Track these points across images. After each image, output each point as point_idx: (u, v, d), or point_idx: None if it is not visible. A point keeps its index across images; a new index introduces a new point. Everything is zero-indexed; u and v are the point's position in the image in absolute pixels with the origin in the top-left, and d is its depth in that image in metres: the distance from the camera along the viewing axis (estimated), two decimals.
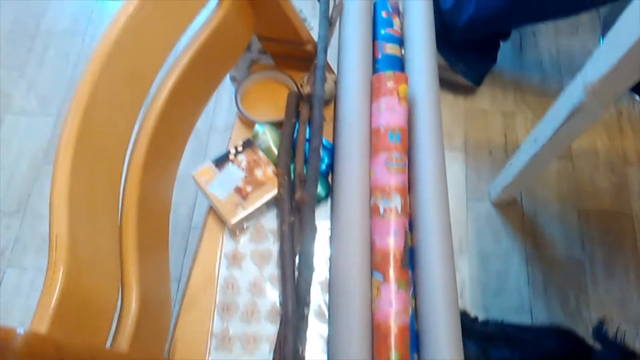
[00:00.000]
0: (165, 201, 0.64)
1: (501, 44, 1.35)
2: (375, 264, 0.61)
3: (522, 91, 1.41)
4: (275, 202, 0.68)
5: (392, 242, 0.61)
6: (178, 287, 1.19)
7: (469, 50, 1.30)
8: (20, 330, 0.34)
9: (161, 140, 0.59)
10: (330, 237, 0.66)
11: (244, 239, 0.68)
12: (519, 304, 1.16)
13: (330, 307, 0.61)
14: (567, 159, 1.32)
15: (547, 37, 1.49)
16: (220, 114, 1.40)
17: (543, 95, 1.41)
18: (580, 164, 1.32)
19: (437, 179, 0.64)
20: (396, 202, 0.63)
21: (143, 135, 0.56)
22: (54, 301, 0.38)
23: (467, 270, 1.20)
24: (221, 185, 0.66)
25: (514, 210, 1.26)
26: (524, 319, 1.14)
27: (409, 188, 0.66)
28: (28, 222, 1.22)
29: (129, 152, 0.54)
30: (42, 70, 1.45)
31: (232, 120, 0.77)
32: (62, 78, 1.43)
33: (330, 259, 0.65)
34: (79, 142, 0.43)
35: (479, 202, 1.27)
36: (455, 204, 1.26)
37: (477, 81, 1.35)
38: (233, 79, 0.86)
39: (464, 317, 0.95)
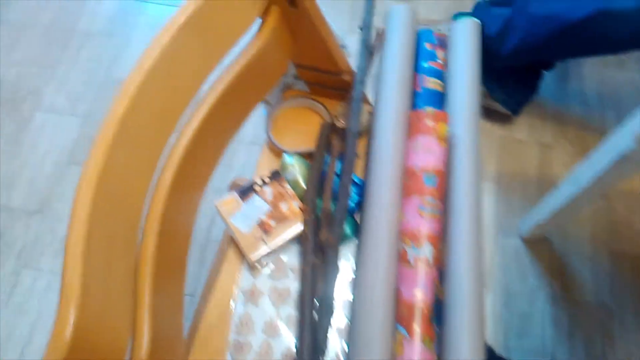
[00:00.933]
0: (187, 232, 0.61)
1: (545, 73, 1.30)
2: (400, 316, 0.58)
3: (562, 123, 1.36)
4: (299, 238, 0.65)
5: (419, 296, 0.57)
6: (191, 301, 1.17)
7: (510, 78, 1.25)
8: None
9: (187, 171, 0.56)
10: (354, 281, 0.63)
11: (263, 275, 0.65)
12: (541, 347, 1.11)
13: (348, 359, 0.58)
14: (603, 199, 1.26)
15: (593, 68, 1.43)
16: (247, 127, 1.37)
17: (584, 129, 1.35)
18: (617, 204, 1.26)
19: (473, 232, 0.60)
20: (427, 251, 0.59)
21: (169, 168, 0.53)
22: (61, 355, 0.35)
23: (490, 307, 1.15)
24: (244, 218, 0.64)
25: (543, 248, 1.21)
26: None
27: (443, 235, 0.62)
28: (48, 223, 1.22)
29: (152, 186, 0.52)
30: (74, 70, 1.45)
31: (260, 134, 0.74)
32: (93, 79, 1.43)
33: (352, 305, 0.61)
34: (100, 183, 0.40)
35: (508, 236, 1.22)
36: (483, 237, 1.21)
37: (516, 110, 1.30)
38: (265, 102, 0.83)
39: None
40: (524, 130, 1.34)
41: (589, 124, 1.36)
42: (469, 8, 1.41)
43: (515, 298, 1.16)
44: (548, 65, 1.29)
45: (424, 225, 0.60)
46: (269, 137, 0.71)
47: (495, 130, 1.34)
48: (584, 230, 1.23)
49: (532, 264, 1.20)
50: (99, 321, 0.40)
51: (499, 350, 1.11)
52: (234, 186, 1.29)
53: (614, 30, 1.02)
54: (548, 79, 1.37)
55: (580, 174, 0.94)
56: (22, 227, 1.22)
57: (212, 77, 0.59)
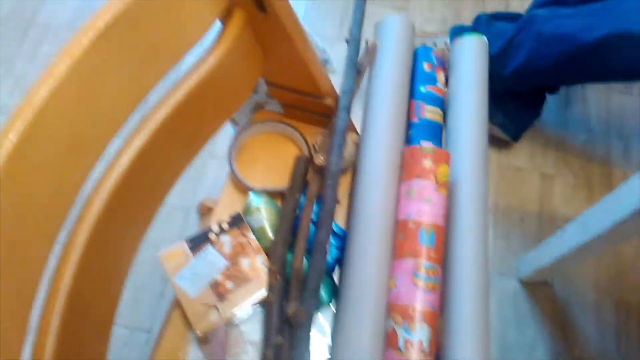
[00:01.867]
0: (114, 291, 0.48)
1: (547, 97, 1.19)
2: None
3: (564, 151, 1.24)
4: (262, 304, 0.52)
5: None
6: (147, 339, 1.03)
7: (511, 101, 1.13)
8: None
9: (115, 219, 0.43)
10: None
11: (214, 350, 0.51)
12: None
13: None
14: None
15: (598, 93, 1.32)
16: (221, 140, 1.24)
17: (588, 158, 1.24)
18: (624, 249, 1.15)
19: (478, 312, 0.48)
20: (422, 334, 0.46)
21: (85, 220, 0.40)
22: None
23: None
24: (194, 277, 0.50)
25: (544, 293, 1.09)
26: None
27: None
28: None
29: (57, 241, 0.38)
30: (32, 66, 1.30)
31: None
32: None
33: None
34: None
35: (505, 277, 1.10)
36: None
37: (516, 136, 1.19)
38: (232, 121, 0.70)
39: None
40: (524, 157, 1.23)
41: (593, 152, 1.25)
42: (467, 19, 1.30)
43: (512, 350, 1.04)
44: (553, 89, 1.18)
45: (418, 299, 0.48)
46: (232, 170, 0.58)
47: (493, 157, 1.23)
48: (588, 275, 1.12)
49: (532, 312, 1.08)
50: None
51: None
52: (202, 208, 1.16)
53: (631, 55, 0.90)
54: (550, 103, 1.26)
55: (591, 219, 0.83)
56: None
57: (157, 95, 0.46)
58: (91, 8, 1.38)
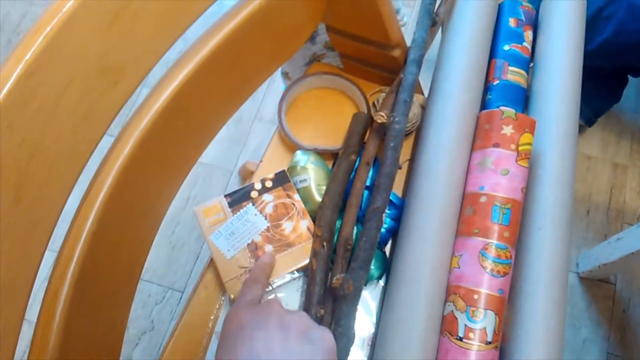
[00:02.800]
0: (141, 249, 0.43)
1: (629, 80, 1.07)
2: None
3: None
4: (303, 271, 0.47)
5: None
6: (181, 299, 1.01)
7: (590, 81, 1.02)
8: None
9: (146, 167, 0.38)
10: (375, 346, 0.44)
11: None
12: None
13: None
14: None
15: None
16: (269, 102, 1.19)
17: None
18: None
19: (554, 299, 0.41)
20: (487, 322, 0.40)
21: (114, 159, 0.35)
22: None
23: None
24: (230, 236, 0.45)
25: (604, 291, 1.00)
26: None
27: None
28: None
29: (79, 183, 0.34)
30: None
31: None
32: None
33: None
34: None
35: None
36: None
37: (590, 121, 1.08)
38: (285, 75, 0.64)
39: None
40: (596, 145, 1.12)
41: None
42: None
43: (563, 349, 0.95)
44: (635, 70, 1.06)
45: (485, 281, 0.41)
46: (281, 125, 0.52)
47: None
48: None
49: (588, 310, 1.00)
50: None
51: None
52: (244, 171, 1.11)
53: None
54: (630, 88, 1.14)
55: None
56: None
57: (202, 28, 0.40)
58: None
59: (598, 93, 1.05)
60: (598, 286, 1.01)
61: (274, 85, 1.21)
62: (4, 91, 0.26)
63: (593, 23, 0.92)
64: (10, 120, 0.26)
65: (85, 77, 0.29)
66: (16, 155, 0.26)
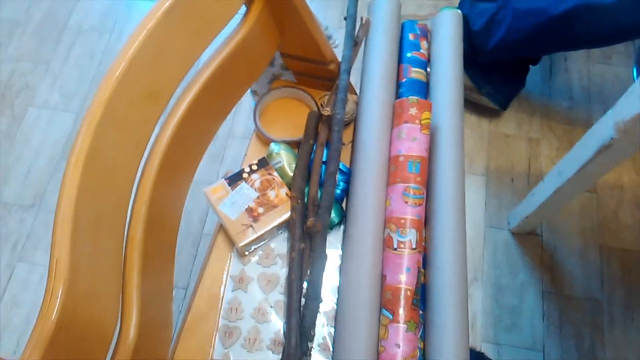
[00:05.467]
0: (175, 218, 0.62)
1: (531, 68, 1.31)
2: (385, 300, 0.59)
3: (549, 118, 1.37)
4: (286, 225, 0.66)
5: (404, 279, 0.58)
6: (185, 295, 1.18)
7: (497, 72, 1.26)
8: None
9: (175, 156, 0.57)
10: (340, 267, 0.64)
11: (252, 262, 0.66)
12: (531, 341, 1.12)
13: (335, 343, 0.59)
14: (591, 192, 1.28)
15: (579, 62, 1.45)
16: (239, 121, 1.39)
17: (570, 123, 1.37)
18: (605, 198, 1.28)
19: (455, 216, 0.62)
20: (411, 236, 0.60)
21: (156, 152, 0.54)
22: (49, 331, 0.36)
23: (480, 301, 1.16)
24: (233, 205, 0.65)
25: (533, 242, 1.22)
26: (536, 358, 1.10)
27: (425, 220, 0.64)
28: (42, 217, 1.23)
29: (140, 170, 0.53)
30: (67, 66, 1.46)
31: (251, 128, 0.75)
32: (86, 75, 1.44)
33: (339, 290, 0.63)
34: (88, 162, 0.41)
35: (497, 230, 1.23)
36: (472, 231, 1.23)
37: (504, 105, 1.32)
38: (254, 93, 0.85)
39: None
40: (512, 125, 1.36)
41: (575, 118, 1.38)
42: (455, 4, 1.43)
43: (504, 293, 1.17)
44: (534, 60, 1.31)
45: (408, 211, 0.61)
46: (257, 127, 0.72)
47: (484, 125, 1.36)
48: (573, 224, 1.25)
49: (522, 259, 1.21)
50: (87, 300, 0.41)
51: (486, 346, 1.12)
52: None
53: (595, 24, 1.03)
54: (535, 73, 1.39)
55: (565, 165, 0.96)
56: (16, 221, 1.22)
57: (199, 64, 0.60)
58: (116, 9, 1.54)
59: (506, 82, 1.29)
60: (528, 239, 1.23)
61: (241, 106, 1.41)
62: (101, 112, 0.45)
63: (489, 27, 1.16)
64: (105, 121, 0.45)
65: (140, 99, 0.49)
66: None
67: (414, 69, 0.74)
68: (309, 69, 0.73)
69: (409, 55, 0.75)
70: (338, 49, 0.75)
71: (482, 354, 1.06)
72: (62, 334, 0.37)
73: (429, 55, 0.76)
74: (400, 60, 0.75)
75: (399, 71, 0.75)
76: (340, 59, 0.72)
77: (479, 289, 1.17)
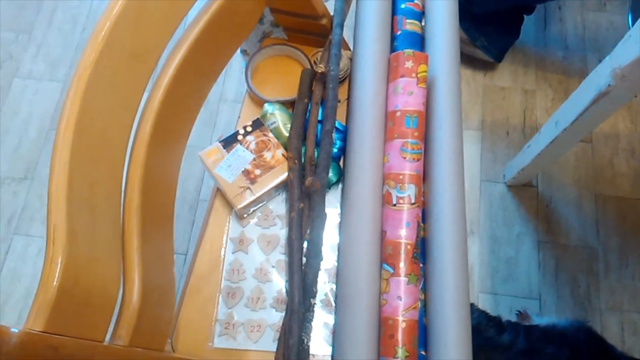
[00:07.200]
0: (171, 181, 0.62)
1: (525, 18, 1.29)
2: (385, 255, 0.59)
3: (544, 69, 1.36)
4: (284, 186, 0.66)
5: (403, 234, 0.59)
6: (185, 260, 1.19)
7: (491, 24, 1.24)
8: (15, 330, 0.32)
9: (167, 119, 0.56)
10: (340, 225, 0.64)
11: (251, 224, 0.66)
12: (528, 290, 1.14)
13: (337, 298, 0.59)
14: (586, 142, 1.28)
15: (573, 11, 1.42)
16: (230, 85, 1.36)
17: (566, 74, 1.36)
18: (600, 147, 1.28)
19: (454, 168, 0.61)
20: (410, 191, 0.60)
21: (148, 115, 0.53)
22: (51, 298, 0.36)
23: (477, 253, 1.18)
24: (229, 168, 0.64)
25: (528, 193, 1.23)
26: (532, 306, 1.12)
27: (424, 175, 0.63)
28: (36, 189, 1.21)
29: (132, 133, 0.52)
30: (50, 33, 1.41)
31: (243, 91, 0.73)
32: (70, 42, 1.40)
33: (339, 248, 0.63)
34: (79, 128, 0.40)
35: (493, 183, 1.24)
36: (468, 184, 1.23)
37: (498, 57, 1.30)
38: (244, 52, 0.82)
39: (485, 320, 0.93)
40: (507, 77, 1.35)
41: (570, 67, 1.36)
42: None
43: (501, 244, 1.19)
44: (529, 10, 1.28)
45: (406, 167, 0.61)
46: (249, 87, 0.71)
47: (478, 78, 1.34)
48: (568, 175, 1.25)
49: (518, 210, 1.22)
50: (88, 265, 0.41)
51: (483, 296, 1.14)
52: None
53: None
54: (529, 24, 1.37)
55: (561, 115, 0.95)
56: (10, 194, 1.21)
57: (185, 23, 0.58)
58: None
59: (500, 33, 1.27)
60: (523, 190, 1.24)
61: (232, 69, 1.38)
62: (88, 75, 0.43)
63: None
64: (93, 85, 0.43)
65: (127, 60, 0.47)
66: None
67: (408, 20, 0.72)
68: (300, 24, 0.71)
69: (403, 6, 0.73)
70: (330, 2, 0.72)
71: (472, 304, 1.08)
72: (65, 300, 0.37)
73: (423, 5, 0.74)
74: (394, 12, 0.73)
75: (393, 23, 0.73)
76: (332, 13, 0.69)
77: (476, 242, 1.19)
